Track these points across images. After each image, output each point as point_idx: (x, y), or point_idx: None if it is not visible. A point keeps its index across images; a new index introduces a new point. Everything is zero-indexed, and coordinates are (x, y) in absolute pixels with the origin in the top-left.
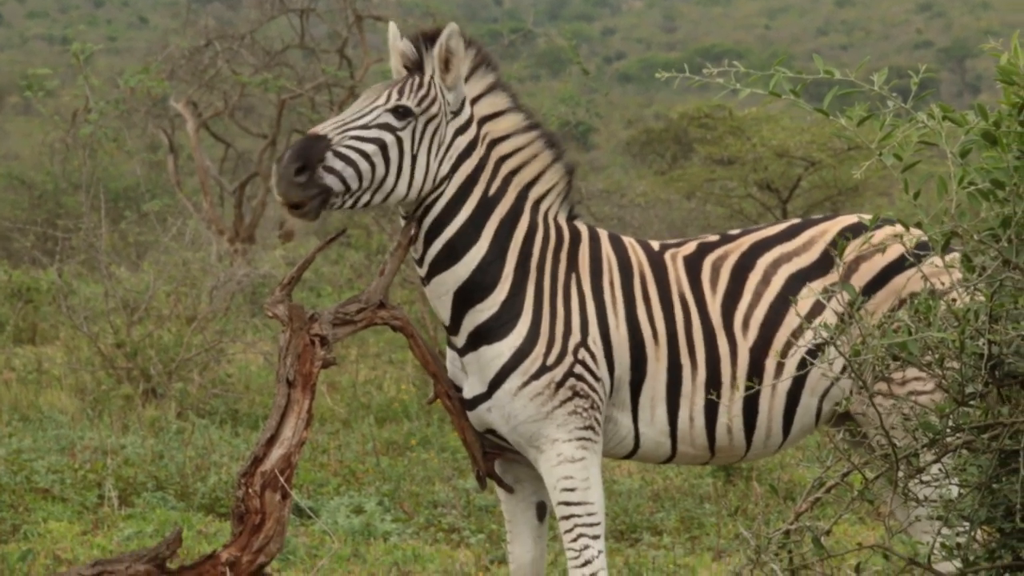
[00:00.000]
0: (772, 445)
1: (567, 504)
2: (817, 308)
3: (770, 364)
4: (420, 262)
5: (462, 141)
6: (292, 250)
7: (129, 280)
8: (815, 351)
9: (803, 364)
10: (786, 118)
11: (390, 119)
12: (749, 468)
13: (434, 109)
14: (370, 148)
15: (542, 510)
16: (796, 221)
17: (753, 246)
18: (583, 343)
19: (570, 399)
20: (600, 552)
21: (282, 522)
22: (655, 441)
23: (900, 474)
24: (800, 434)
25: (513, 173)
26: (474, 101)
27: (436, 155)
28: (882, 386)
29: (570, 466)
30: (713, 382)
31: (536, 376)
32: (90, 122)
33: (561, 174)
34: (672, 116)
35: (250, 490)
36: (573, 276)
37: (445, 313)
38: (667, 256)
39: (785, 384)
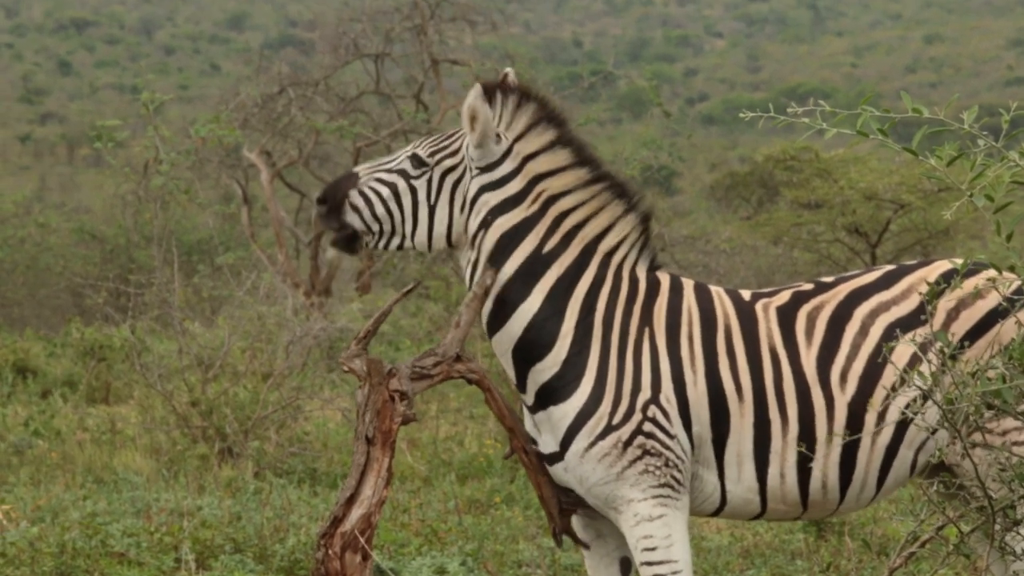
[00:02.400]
0: (865, 498)
1: (649, 564)
2: (917, 357)
3: (869, 418)
4: (482, 318)
5: (492, 198)
6: (369, 303)
7: (203, 336)
8: (915, 402)
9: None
10: (874, 159)
11: (407, 165)
12: (841, 523)
13: (450, 162)
14: (385, 191)
15: (626, 566)
16: (893, 268)
17: (850, 295)
18: (653, 400)
19: (640, 458)
20: None
21: None
22: (743, 498)
23: (997, 527)
24: (893, 486)
25: (577, 228)
26: (530, 157)
27: (459, 209)
28: (978, 436)
29: (648, 525)
30: (806, 438)
31: (602, 436)
32: (161, 173)
33: (633, 224)
34: (757, 159)
35: (330, 551)
36: (647, 330)
37: (511, 371)
38: (758, 307)
39: (885, 437)
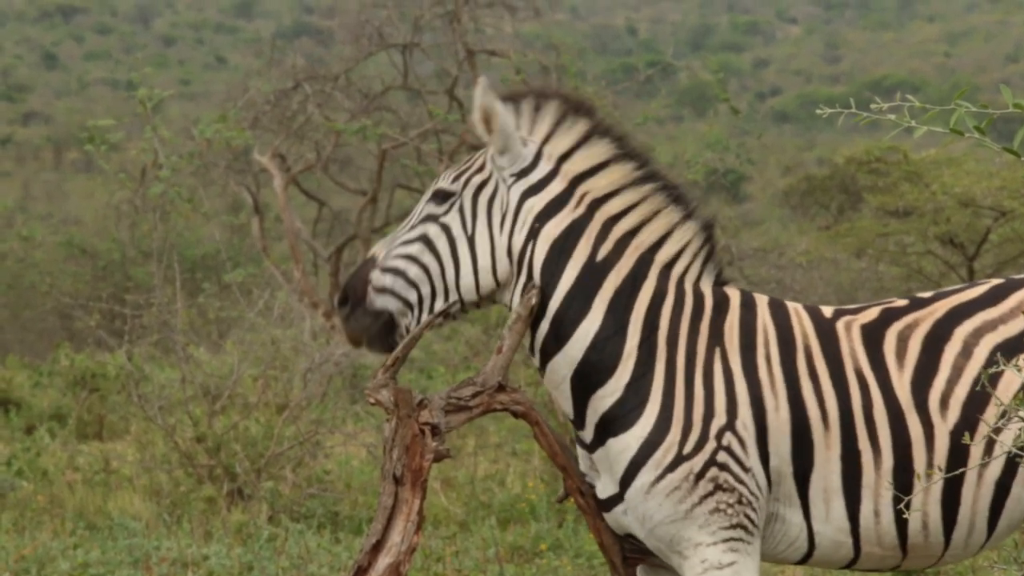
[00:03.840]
0: (974, 544)
1: None
2: None
3: (975, 449)
4: (532, 350)
5: (536, 202)
6: None
7: (210, 363)
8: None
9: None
10: (971, 160)
11: (431, 208)
12: (936, 573)
13: (479, 179)
14: (415, 248)
15: None
16: (999, 282)
17: (949, 313)
18: (729, 427)
19: (711, 494)
20: None
21: None
22: (833, 541)
23: None
24: (1006, 531)
25: (630, 235)
26: (564, 157)
27: (501, 227)
28: None
29: (717, 573)
30: (903, 470)
31: (671, 468)
32: (161, 180)
33: (694, 232)
34: (837, 161)
35: None
36: (717, 350)
37: (567, 403)
38: (840, 325)
39: (994, 471)
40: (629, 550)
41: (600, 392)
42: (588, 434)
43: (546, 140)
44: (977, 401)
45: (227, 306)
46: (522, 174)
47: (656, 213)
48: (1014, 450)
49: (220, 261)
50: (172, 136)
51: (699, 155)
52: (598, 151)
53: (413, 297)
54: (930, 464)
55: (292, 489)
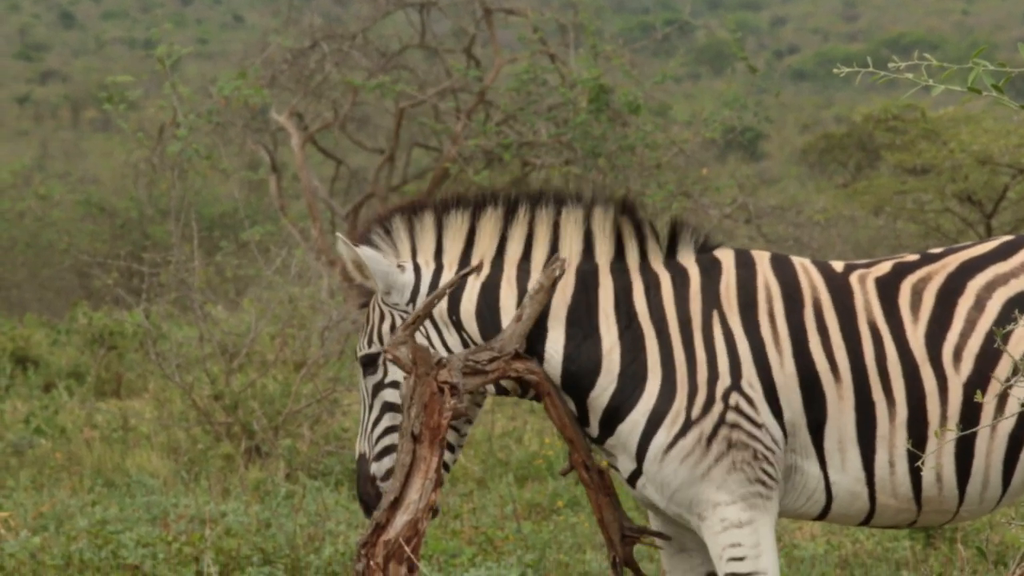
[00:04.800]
0: (989, 499)
1: (735, 575)
2: None
3: (986, 396)
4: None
5: (440, 305)
6: None
7: (227, 321)
8: None
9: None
10: (989, 118)
11: (371, 380)
12: (953, 529)
13: (386, 325)
14: (387, 420)
15: None
16: (1011, 238)
17: (961, 266)
18: (735, 387)
19: (725, 453)
20: None
21: None
22: (850, 491)
23: None
24: (1022, 486)
25: (550, 256)
26: (439, 253)
27: (436, 337)
28: None
29: (736, 532)
30: (917, 421)
31: (682, 433)
32: (179, 138)
33: (612, 218)
34: (855, 119)
35: (371, 563)
36: (715, 314)
37: (571, 404)
38: (853, 278)
39: (1006, 424)
40: (628, 528)
41: (594, 393)
42: (594, 430)
43: (414, 252)
44: (990, 354)
45: (245, 264)
46: (414, 295)
47: (557, 226)
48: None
49: (238, 219)
50: (190, 94)
51: (717, 113)
52: (458, 225)
53: None
54: (944, 416)
55: (309, 446)
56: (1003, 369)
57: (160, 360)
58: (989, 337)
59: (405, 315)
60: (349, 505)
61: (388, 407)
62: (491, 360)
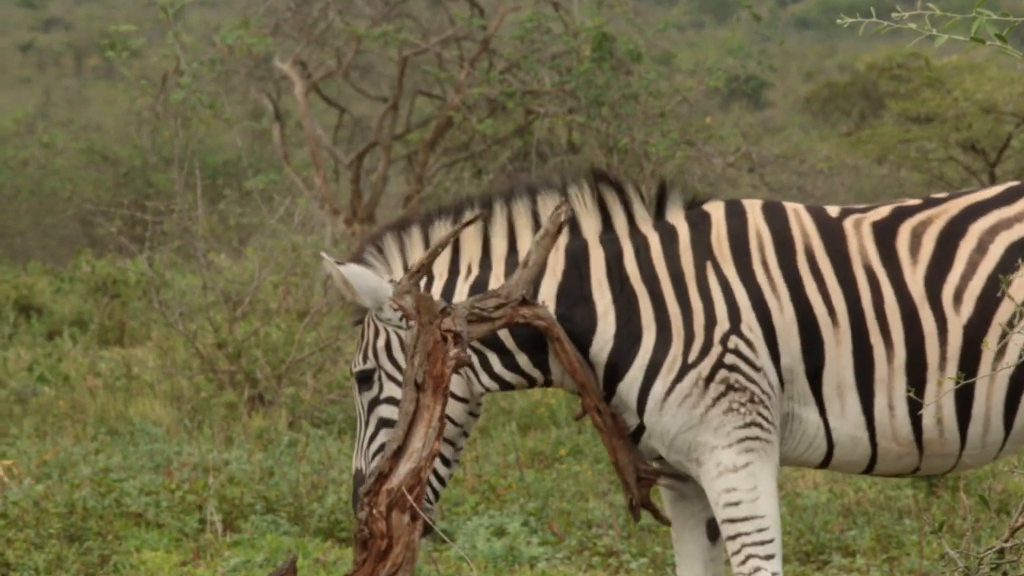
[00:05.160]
0: (992, 444)
1: (732, 521)
2: None
3: (990, 343)
4: None
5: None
6: None
7: (230, 269)
8: None
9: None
10: (992, 67)
11: (367, 395)
12: (956, 478)
13: (381, 341)
14: (383, 436)
15: (713, 529)
16: (1015, 184)
17: (964, 210)
18: (734, 330)
19: (724, 395)
20: (775, 575)
21: (412, 548)
22: (851, 437)
23: None
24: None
25: (545, 239)
26: (428, 263)
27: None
28: None
29: (732, 476)
30: (916, 364)
31: (679, 378)
32: (182, 86)
33: (591, 192)
34: (859, 67)
35: (374, 511)
36: (708, 265)
37: None
38: (848, 223)
39: (1004, 368)
40: (644, 470)
41: (592, 350)
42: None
43: (406, 268)
44: (992, 296)
45: (248, 212)
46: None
47: (536, 215)
48: None
49: (241, 168)
50: (193, 43)
51: (720, 62)
52: (440, 232)
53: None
54: (943, 358)
55: (312, 395)
56: (1005, 312)
57: (163, 308)
58: (991, 279)
59: (399, 331)
60: (352, 453)
61: (384, 423)
62: (497, 307)
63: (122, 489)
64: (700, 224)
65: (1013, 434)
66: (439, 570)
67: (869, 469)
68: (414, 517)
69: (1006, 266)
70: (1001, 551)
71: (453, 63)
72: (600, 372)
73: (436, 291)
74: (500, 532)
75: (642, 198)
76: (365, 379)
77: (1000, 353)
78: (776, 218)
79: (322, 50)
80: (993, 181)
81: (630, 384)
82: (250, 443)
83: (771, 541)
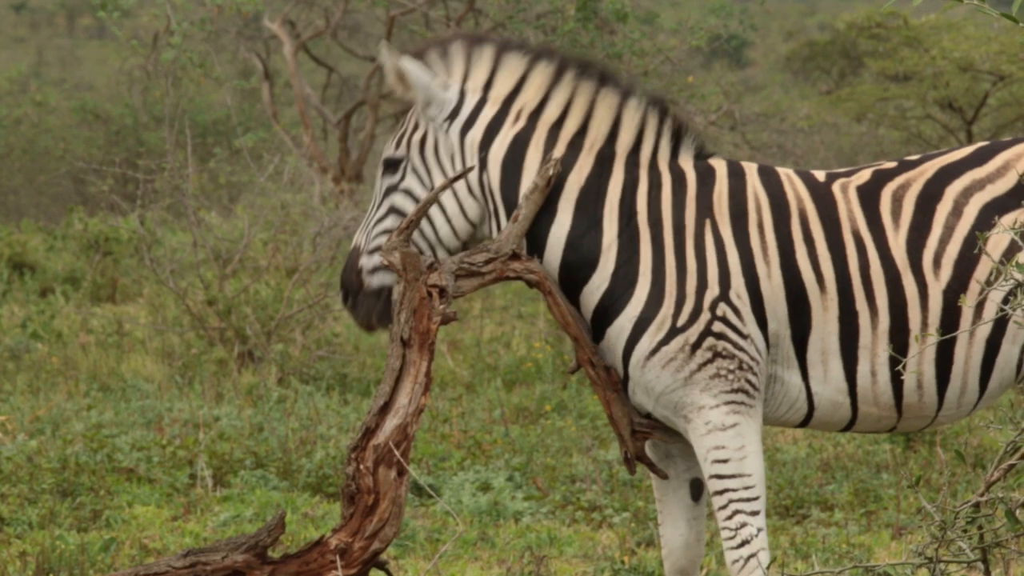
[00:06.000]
0: (967, 404)
1: (719, 477)
2: (1016, 244)
3: (967, 308)
4: None
5: (475, 134)
6: None
7: (220, 227)
8: (1016, 292)
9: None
10: (970, 26)
11: (388, 180)
12: (932, 432)
13: (418, 136)
14: (389, 222)
15: (697, 488)
16: (986, 144)
17: (939, 173)
18: (723, 297)
19: (711, 361)
20: (760, 530)
21: (398, 503)
22: (832, 401)
23: None
24: (998, 390)
25: (579, 135)
26: (487, 86)
27: (454, 169)
28: None
29: (720, 434)
30: (898, 330)
31: (666, 340)
32: (173, 46)
33: (643, 110)
34: (838, 26)
35: (362, 467)
36: (707, 223)
37: None
38: (836, 187)
39: (983, 330)
40: (638, 423)
41: (587, 288)
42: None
43: (465, 78)
44: (968, 259)
45: (238, 171)
46: (453, 115)
47: (593, 104)
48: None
49: (231, 126)
50: (184, 2)
51: (703, 21)
52: (513, 67)
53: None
54: (925, 323)
55: (301, 351)
56: (981, 274)
57: (155, 265)
58: (967, 243)
59: (443, 124)
60: (340, 409)
61: (394, 210)
62: (487, 261)
63: (114, 445)
64: (707, 178)
65: (987, 394)
66: (425, 525)
67: (848, 428)
68: (400, 472)
69: (980, 227)
70: (977, 505)
71: (440, 22)
72: (590, 311)
73: (483, 115)
74: (485, 487)
75: (671, 137)
76: (391, 165)
77: (977, 315)
78: (772, 182)
79: (311, 10)
80: (970, 139)
81: (618, 333)
82: (240, 399)
83: (757, 498)
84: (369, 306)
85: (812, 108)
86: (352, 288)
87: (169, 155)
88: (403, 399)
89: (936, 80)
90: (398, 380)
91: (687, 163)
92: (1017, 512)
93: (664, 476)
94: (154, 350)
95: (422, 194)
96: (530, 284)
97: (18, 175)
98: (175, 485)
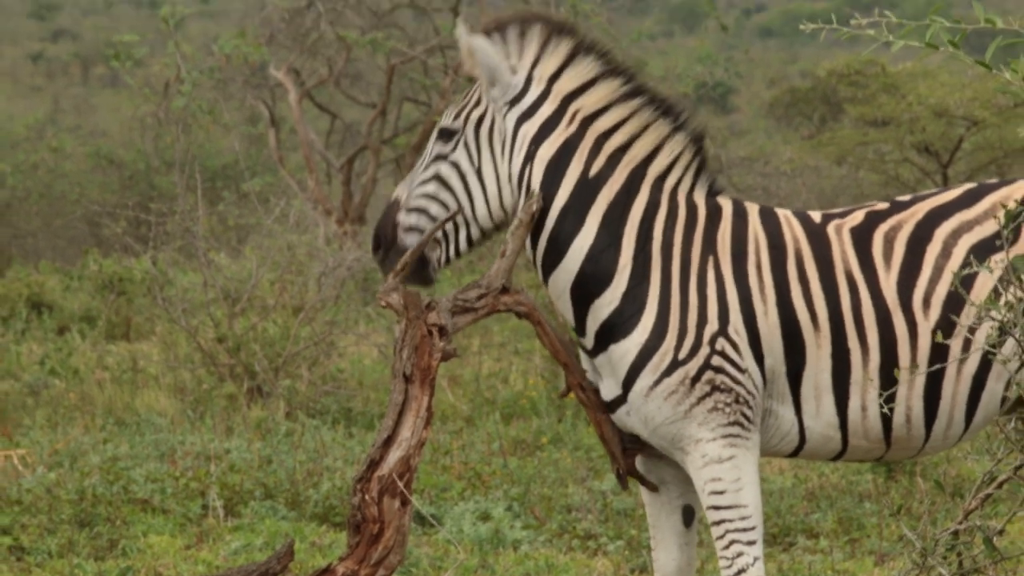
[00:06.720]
0: (952, 436)
1: (716, 508)
2: (1001, 284)
3: (955, 345)
4: (534, 263)
5: (530, 127)
6: None
7: (230, 268)
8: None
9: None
10: (945, 73)
11: (439, 148)
12: (913, 463)
13: (477, 113)
14: (431, 188)
15: (689, 514)
16: (973, 186)
17: (929, 214)
18: (722, 332)
19: (709, 395)
20: (756, 559)
21: (402, 531)
22: (823, 435)
23: None
24: (982, 423)
25: (621, 150)
26: (554, 78)
27: (503, 155)
28: None
29: (717, 467)
30: (889, 367)
31: (668, 373)
32: (183, 94)
33: (684, 144)
34: (819, 74)
35: (367, 497)
36: (711, 259)
37: (568, 314)
38: (830, 229)
39: (971, 366)
40: (628, 441)
41: (598, 302)
42: (589, 341)
43: (535, 64)
44: (957, 300)
45: (245, 213)
46: (515, 101)
47: (646, 127)
48: (986, 347)
49: (239, 171)
50: (193, 52)
51: (690, 69)
52: (585, 68)
53: (440, 232)
54: (914, 361)
55: (308, 386)
56: (968, 315)
57: (167, 305)
58: (953, 284)
59: (503, 107)
60: (346, 442)
61: (439, 178)
62: (479, 297)
63: (129, 477)
64: (714, 216)
65: (972, 427)
66: (428, 552)
67: (837, 458)
68: (404, 502)
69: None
70: (956, 533)
71: (438, 70)
72: (599, 323)
73: (544, 109)
74: (485, 516)
75: (697, 172)
76: (446, 135)
77: (964, 351)
78: (770, 223)
79: (314, 59)
80: (946, 181)
81: (622, 355)
82: (249, 433)
83: (753, 528)
84: (403, 266)
85: (795, 152)
86: (386, 241)
87: (180, 198)
88: (406, 432)
89: (913, 125)
90: (401, 414)
91: (701, 198)
92: (994, 539)
93: (654, 488)
94: (167, 386)
95: (468, 170)
96: (519, 315)
97: (35, 218)
98: (188, 515)
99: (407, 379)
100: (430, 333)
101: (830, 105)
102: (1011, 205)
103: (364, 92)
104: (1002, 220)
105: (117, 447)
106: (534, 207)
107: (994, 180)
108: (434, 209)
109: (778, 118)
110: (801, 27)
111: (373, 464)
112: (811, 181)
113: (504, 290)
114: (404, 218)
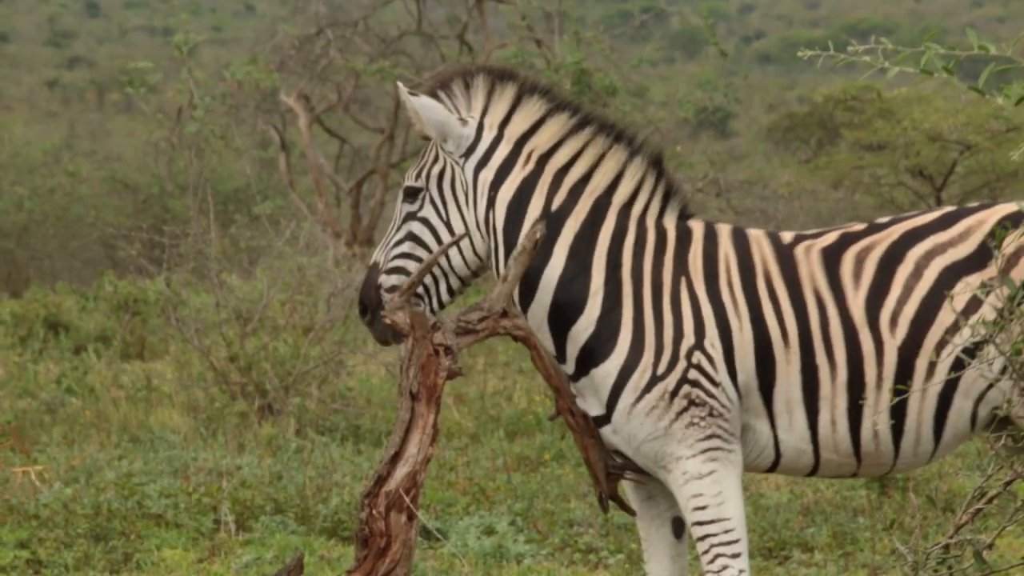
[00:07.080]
0: (923, 453)
1: (700, 524)
2: (973, 304)
3: (920, 364)
4: (514, 302)
5: (488, 173)
6: None
7: (241, 289)
8: (971, 351)
9: (958, 365)
10: (939, 98)
11: (407, 207)
12: (905, 479)
13: (437, 168)
14: (406, 246)
15: (679, 526)
16: (950, 209)
17: (903, 236)
18: (698, 346)
19: (686, 409)
20: (742, 572)
21: (409, 545)
22: (796, 448)
23: None
24: (954, 441)
25: (583, 182)
26: (504, 123)
27: (467, 204)
28: None
29: (698, 483)
30: (856, 383)
31: (647, 389)
32: (196, 119)
33: (643, 170)
34: (816, 99)
35: (374, 512)
36: (683, 279)
37: (549, 342)
38: (799, 249)
39: (935, 385)
40: (613, 466)
41: (575, 328)
42: (570, 367)
43: (484, 112)
44: (924, 319)
45: (257, 236)
46: (470, 151)
47: (602, 156)
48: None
49: (250, 194)
50: (206, 78)
51: (690, 94)
52: (533, 109)
53: (419, 288)
54: (880, 377)
55: (317, 404)
56: (936, 333)
57: (180, 325)
58: (924, 303)
59: (459, 160)
60: (354, 459)
61: (412, 236)
62: (481, 319)
63: (143, 492)
64: (684, 239)
65: (942, 444)
66: (434, 566)
67: (812, 473)
68: (410, 517)
69: (939, 289)
70: (947, 547)
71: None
72: (577, 349)
73: (499, 157)
74: (489, 531)
75: (664, 196)
76: (411, 194)
77: (930, 372)
78: (741, 244)
79: (324, 85)
80: (939, 204)
81: (604, 376)
82: (260, 449)
83: (737, 541)
84: (388, 325)
85: (792, 176)
86: (371, 304)
87: (193, 221)
88: (412, 449)
89: (908, 149)
90: (407, 431)
91: (671, 223)
92: (984, 553)
93: (633, 513)
94: (180, 404)
95: (437, 224)
96: (516, 339)
97: (52, 241)
98: (200, 530)
99: (413, 397)
100: (436, 352)
101: (827, 130)
102: (987, 228)
103: (372, 117)
104: (992, 242)
105: (132, 463)
106: (538, 234)
107: (973, 204)
108: (412, 267)
109: (776, 142)
110: (799, 54)
111: (380, 480)
112: (808, 204)
113: (504, 314)
114: (385, 279)
